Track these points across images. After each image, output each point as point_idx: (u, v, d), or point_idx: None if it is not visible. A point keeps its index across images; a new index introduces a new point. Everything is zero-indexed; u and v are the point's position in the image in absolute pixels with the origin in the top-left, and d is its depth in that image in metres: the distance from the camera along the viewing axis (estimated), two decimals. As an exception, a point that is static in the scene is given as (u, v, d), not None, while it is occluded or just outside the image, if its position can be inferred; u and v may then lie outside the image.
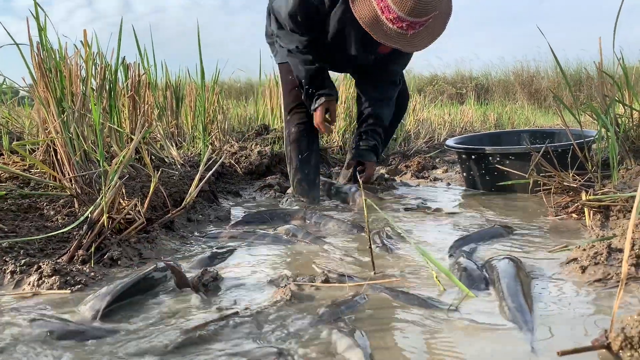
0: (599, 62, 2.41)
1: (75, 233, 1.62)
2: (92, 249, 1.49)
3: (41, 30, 1.91)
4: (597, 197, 1.97)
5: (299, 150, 2.54)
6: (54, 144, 1.90)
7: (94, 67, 2.29)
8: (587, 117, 3.58)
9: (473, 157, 2.79)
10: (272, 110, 4.57)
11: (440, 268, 1.30)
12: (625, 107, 2.47)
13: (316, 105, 2.43)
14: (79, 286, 1.31)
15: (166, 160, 2.56)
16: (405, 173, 3.59)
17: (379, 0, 2.01)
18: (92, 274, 1.38)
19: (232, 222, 2.09)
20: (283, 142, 2.72)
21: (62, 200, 1.83)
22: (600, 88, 2.45)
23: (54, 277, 1.31)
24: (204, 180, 1.94)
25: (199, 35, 2.57)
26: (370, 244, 1.44)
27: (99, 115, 1.82)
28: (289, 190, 2.82)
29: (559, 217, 2.11)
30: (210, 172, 2.05)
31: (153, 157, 2.57)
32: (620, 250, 1.45)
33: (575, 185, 2.13)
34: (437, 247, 1.71)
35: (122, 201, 1.77)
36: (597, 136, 2.38)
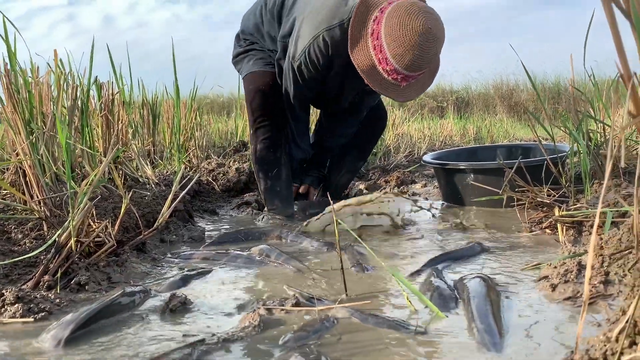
0: (571, 78, 2.45)
1: (42, 257, 1.59)
2: (59, 274, 1.46)
3: (10, 51, 1.89)
4: (569, 212, 1.99)
5: (267, 167, 2.51)
6: (23, 166, 1.87)
7: (65, 85, 2.27)
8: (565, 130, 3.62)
9: (449, 172, 2.80)
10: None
11: (411, 288, 1.29)
12: (597, 122, 2.50)
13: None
14: (43, 314, 1.28)
15: (140, 179, 2.53)
16: (384, 188, 3.59)
17: (377, 51, 2.02)
18: (58, 300, 1.35)
19: (206, 243, 2.07)
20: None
21: (30, 223, 1.80)
22: (572, 104, 2.49)
23: (16, 305, 1.28)
24: (177, 200, 1.92)
25: (174, 56, 2.56)
26: (342, 265, 1.43)
27: (68, 136, 1.79)
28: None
29: (533, 232, 2.12)
30: (184, 191, 2.02)
31: (127, 177, 2.54)
32: (592, 267, 1.46)
33: (548, 201, 2.15)
34: (411, 264, 1.70)
35: (92, 223, 1.74)
36: (569, 151, 2.41)
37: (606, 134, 2.54)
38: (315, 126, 2.82)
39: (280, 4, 2.44)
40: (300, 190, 2.81)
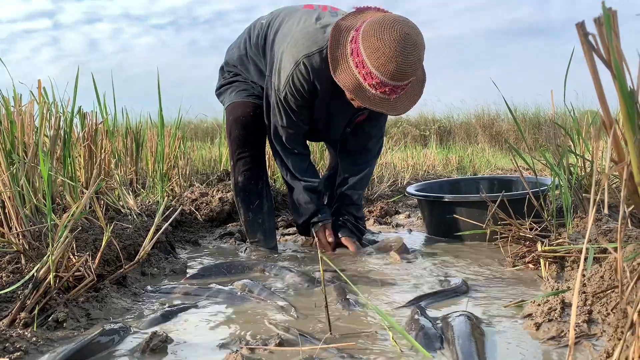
0: (552, 113, 2.50)
1: (19, 293, 1.54)
2: (36, 310, 1.43)
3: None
4: (551, 247, 2.00)
5: (249, 199, 2.48)
6: (2, 197, 1.84)
7: (48, 114, 2.24)
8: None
9: (432, 204, 2.81)
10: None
11: (397, 328, 1.28)
12: (578, 157, 2.54)
13: (317, 230, 2.50)
14: (19, 353, 1.24)
15: (122, 210, 2.50)
16: (368, 219, 3.59)
17: (360, 67, 2.01)
18: (34, 339, 1.31)
19: (188, 276, 2.04)
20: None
21: (7, 257, 1.76)
22: (553, 138, 2.53)
23: (-9, 344, 1.24)
24: (159, 232, 1.90)
25: (159, 86, 2.55)
26: (326, 303, 1.41)
27: (50, 167, 1.77)
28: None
29: (517, 267, 2.13)
30: (167, 223, 2.00)
31: (109, 207, 2.50)
32: (574, 305, 1.46)
33: (531, 236, 2.16)
34: (397, 297, 1.69)
35: (72, 257, 1.71)
36: (551, 185, 2.44)
37: (586, 167, 2.58)
38: (338, 179, 2.68)
39: (263, 38, 2.45)
40: (342, 241, 2.57)
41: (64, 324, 1.43)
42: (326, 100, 2.32)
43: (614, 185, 2.91)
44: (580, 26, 0.83)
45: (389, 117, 2.81)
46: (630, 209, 1.10)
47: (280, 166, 2.52)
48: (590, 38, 0.83)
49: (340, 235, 2.55)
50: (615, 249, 1.46)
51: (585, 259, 1.66)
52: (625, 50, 0.89)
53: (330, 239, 2.50)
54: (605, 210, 0.78)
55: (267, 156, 2.87)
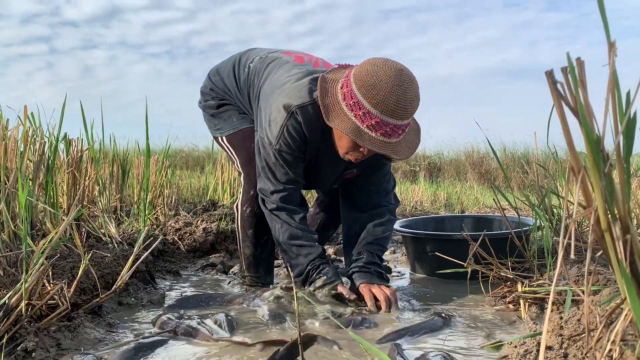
0: (536, 155, 2.54)
1: (-11, 320, 1.52)
2: (5, 339, 1.40)
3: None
4: (532, 289, 2.00)
5: (262, 232, 2.35)
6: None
7: (33, 138, 2.25)
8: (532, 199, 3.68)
9: (416, 241, 2.82)
10: (222, 184, 4.56)
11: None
12: (560, 198, 2.56)
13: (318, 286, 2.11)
14: (-17, 383, 1.21)
15: (103, 238, 2.48)
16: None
17: (356, 109, 1.90)
18: (0, 368, 1.28)
19: (165, 306, 2.02)
20: (237, 218, 2.41)
21: (-19, 282, 1.73)
22: (536, 180, 2.56)
23: (-45, 373, 1.21)
24: (138, 262, 1.88)
25: (147, 116, 2.57)
26: (300, 339, 1.40)
27: (30, 192, 1.76)
28: (233, 270, 2.75)
29: (497, 307, 2.12)
30: (147, 252, 1.99)
31: (90, 234, 2.48)
32: (550, 348, 1.45)
33: (511, 276, 2.17)
34: (375, 338, 1.68)
35: (47, 284, 1.69)
36: (533, 226, 2.45)
37: (569, 209, 2.61)
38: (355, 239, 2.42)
39: (249, 85, 2.37)
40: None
41: (33, 354, 1.40)
42: (314, 152, 2.22)
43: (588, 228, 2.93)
44: (549, 74, 0.85)
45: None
46: (599, 253, 1.10)
47: (275, 228, 2.23)
48: (559, 86, 0.86)
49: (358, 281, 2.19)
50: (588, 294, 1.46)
51: (563, 302, 1.66)
52: (598, 93, 0.91)
53: (352, 297, 2.08)
54: (572, 255, 0.78)
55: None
